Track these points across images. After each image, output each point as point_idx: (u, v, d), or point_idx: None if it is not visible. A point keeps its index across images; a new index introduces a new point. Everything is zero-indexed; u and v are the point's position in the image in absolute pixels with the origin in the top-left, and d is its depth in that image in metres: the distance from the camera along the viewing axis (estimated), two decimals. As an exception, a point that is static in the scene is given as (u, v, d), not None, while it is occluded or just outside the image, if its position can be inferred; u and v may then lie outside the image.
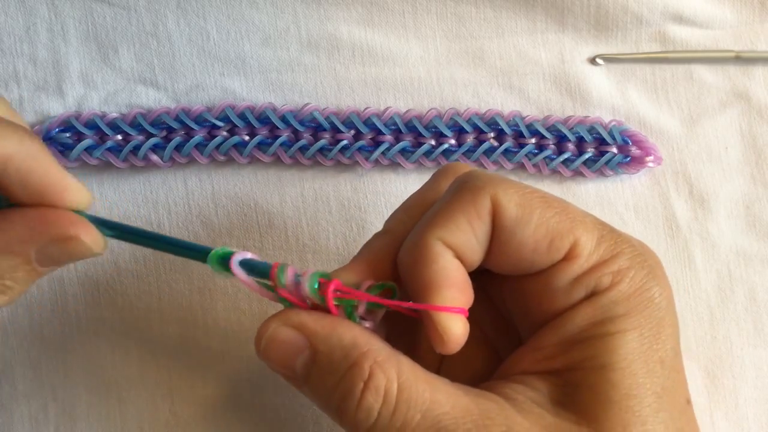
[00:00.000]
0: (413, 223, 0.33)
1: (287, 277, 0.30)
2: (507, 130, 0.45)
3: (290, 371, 0.31)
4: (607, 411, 0.29)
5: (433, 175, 0.35)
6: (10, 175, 0.29)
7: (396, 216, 0.35)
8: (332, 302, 0.30)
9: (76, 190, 0.30)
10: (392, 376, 0.29)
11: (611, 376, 0.29)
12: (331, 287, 0.30)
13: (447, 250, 0.31)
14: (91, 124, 0.45)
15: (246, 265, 0.31)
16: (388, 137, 0.45)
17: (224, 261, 0.31)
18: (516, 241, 0.31)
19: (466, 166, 0.35)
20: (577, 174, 0.46)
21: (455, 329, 0.30)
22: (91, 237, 0.31)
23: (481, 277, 0.33)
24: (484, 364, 0.35)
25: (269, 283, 0.31)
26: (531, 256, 0.31)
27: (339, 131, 0.45)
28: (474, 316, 0.35)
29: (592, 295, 0.30)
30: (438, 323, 0.30)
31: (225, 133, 0.45)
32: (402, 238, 0.33)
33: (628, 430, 0.29)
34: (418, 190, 0.35)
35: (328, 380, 0.30)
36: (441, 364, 0.35)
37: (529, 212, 0.31)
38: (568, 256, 0.31)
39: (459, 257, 0.31)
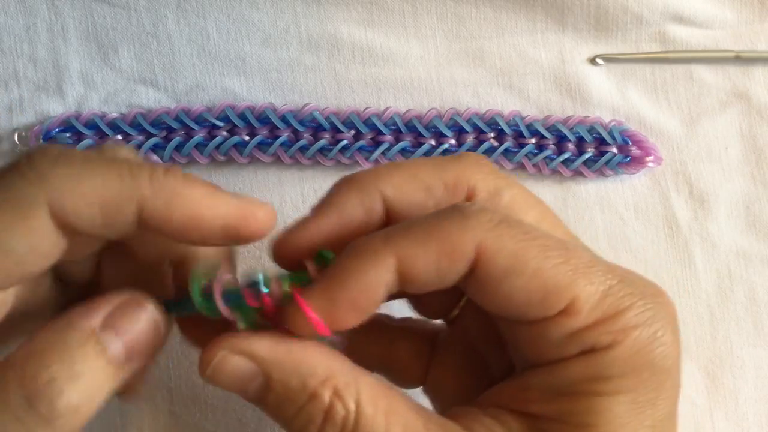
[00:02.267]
0: (410, 187, 0.30)
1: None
2: (507, 130, 0.45)
3: (243, 395, 0.29)
4: None
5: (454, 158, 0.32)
6: (151, 218, 0.27)
7: (386, 173, 0.31)
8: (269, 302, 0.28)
9: (253, 211, 0.29)
10: (351, 407, 0.28)
11: None
12: (217, 288, 0.28)
13: (391, 271, 0.28)
14: (91, 124, 0.45)
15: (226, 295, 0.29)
16: (388, 137, 0.45)
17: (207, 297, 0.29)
18: (504, 291, 0.28)
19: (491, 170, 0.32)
20: (577, 174, 0.46)
21: (306, 330, 0.28)
22: (152, 305, 0.29)
23: None
24: (473, 381, 0.33)
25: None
26: (521, 309, 0.28)
27: (339, 131, 0.45)
28: (467, 330, 0.34)
29: (589, 352, 0.28)
30: (297, 321, 0.28)
31: (225, 133, 0.45)
32: (400, 210, 0.30)
33: None
34: (420, 159, 0.33)
35: (286, 409, 0.28)
36: (427, 374, 0.34)
37: (523, 263, 0.27)
38: (566, 312, 0.28)
39: (407, 280, 0.28)
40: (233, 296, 0.29)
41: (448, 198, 0.30)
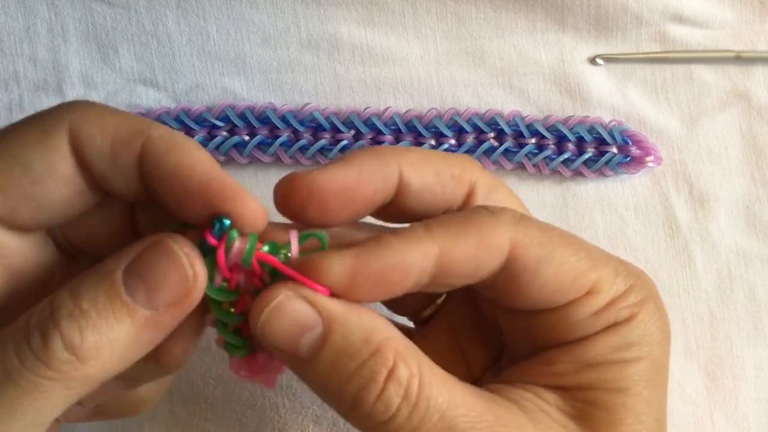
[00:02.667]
0: (425, 171, 0.30)
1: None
2: (507, 130, 0.45)
3: (291, 350, 0.27)
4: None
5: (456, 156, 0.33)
6: (148, 155, 0.28)
7: (405, 153, 0.31)
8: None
9: (236, 190, 0.28)
10: (414, 369, 0.27)
11: (627, 400, 0.30)
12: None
13: (432, 257, 0.28)
14: (91, 124, 0.45)
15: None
16: (388, 137, 0.45)
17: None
18: (539, 281, 0.29)
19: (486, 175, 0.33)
20: (577, 174, 0.46)
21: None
22: (188, 247, 0.28)
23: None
24: (453, 372, 0.33)
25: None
26: (554, 296, 0.30)
27: (339, 131, 0.45)
28: (451, 320, 0.34)
29: (613, 326, 0.30)
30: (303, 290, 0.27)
31: (225, 133, 0.45)
32: (413, 191, 0.30)
33: None
34: (437, 151, 0.33)
35: (344, 365, 0.27)
36: None
37: (551, 251, 0.29)
38: (590, 293, 0.30)
39: (444, 271, 0.28)
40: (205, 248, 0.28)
41: (454, 186, 0.31)
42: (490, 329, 0.34)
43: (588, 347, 0.30)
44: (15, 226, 0.29)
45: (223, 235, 0.28)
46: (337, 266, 0.27)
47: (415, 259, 0.28)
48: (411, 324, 0.36)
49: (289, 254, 0.28)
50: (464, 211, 0.30)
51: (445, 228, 0.29)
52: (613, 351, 0.30)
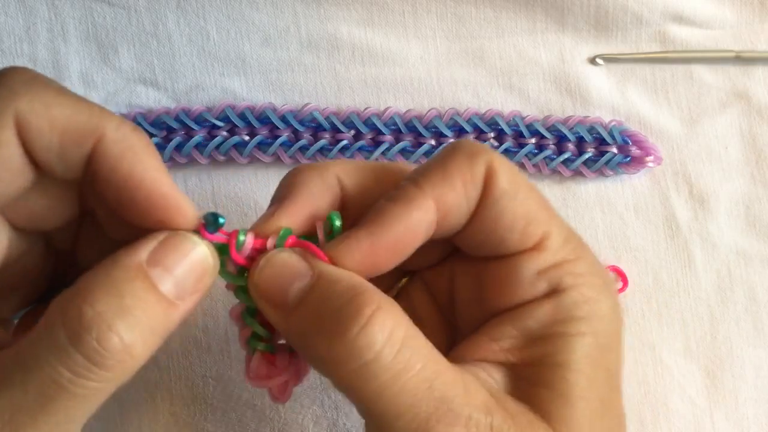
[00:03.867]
0: (377, 188, 0.32)
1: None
2: (507, 130, 0.45)
3: (281, 298, 0.29)
4: (560, 408, 0.29)
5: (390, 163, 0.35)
6: (99, 157, 0.28)
7: (346, 168, 0.33)
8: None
9: (180, 196, 0.29)
10: (400, 319, 0.28)
11: (568, 375, 0.30)
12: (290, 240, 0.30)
13: (432, 210, 0.30)
14: (91, 124, 0.45)
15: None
16: (388, 137, 0.45)
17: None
18: (496, 212, 0.30)
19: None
20: (577, 174, 0.46)
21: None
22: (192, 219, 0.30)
23: (424, 270, 0.34)
24: None
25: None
26: (505, 234, 0.31)
27: (339, 131, 0.45)
28: (412, 302, 0.35)
29: (554, 292, 0.31)
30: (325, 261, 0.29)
31: (225, 133, 0.45)
32: (353, 195, 0.32)
33: (578, 430, 0.29)
34: (369, 161, 0.35)
35: (328, 305, 0.28)
36: None
37: (516, 188, 0.30)
38: (538, 247, 0.31)
39: (444, 217, 0.30)
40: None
41: (394, 184, 0.32)
42: (446, 313, 0.34)
43: (531, 316, 0.31)
44: None
45: (217, 229, 0.29)
46: (357, 252, 0.29)
47: (419, 218, 0.30)
48: None
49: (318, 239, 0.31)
50: (440, 153, 0.32)
51: (431, 178, 0.30)
52: (555, 323, 0.30)
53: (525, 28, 0.46)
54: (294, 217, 0.31)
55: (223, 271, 0.30)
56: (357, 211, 0.32)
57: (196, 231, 0.29)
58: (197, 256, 0.29)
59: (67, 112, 0.28)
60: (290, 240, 0.30)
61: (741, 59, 0.46)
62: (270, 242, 0.30)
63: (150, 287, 0.27)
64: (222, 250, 0.30)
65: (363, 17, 0.46)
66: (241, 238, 0.30)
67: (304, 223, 0.31)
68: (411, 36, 0.46)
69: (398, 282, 0.36)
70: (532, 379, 0.30)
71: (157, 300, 0.27)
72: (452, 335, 0.34)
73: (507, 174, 0.30)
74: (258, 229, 0.30)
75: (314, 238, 0.31)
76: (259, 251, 0.30)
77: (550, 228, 0.31)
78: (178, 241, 0.29)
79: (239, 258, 0.30)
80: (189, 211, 0.29)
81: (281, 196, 0.31)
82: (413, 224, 0.30)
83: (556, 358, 0.30)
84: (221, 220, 0.29)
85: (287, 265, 0.29)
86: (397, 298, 0.35)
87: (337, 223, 0.31)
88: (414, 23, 0.46)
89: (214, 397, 0.44)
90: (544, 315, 0.30)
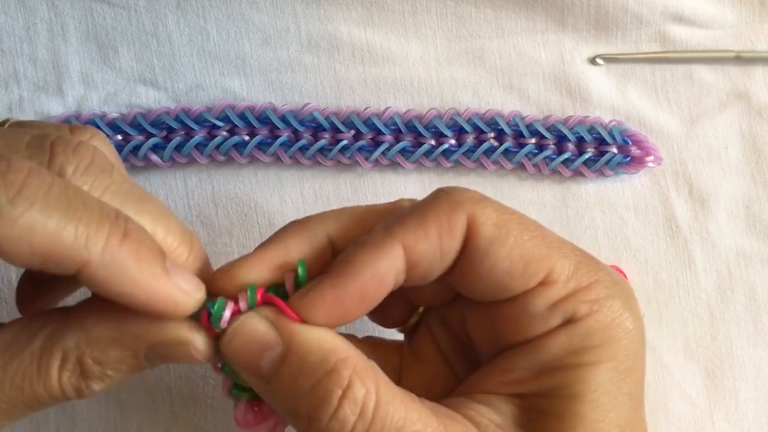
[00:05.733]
0: (355, 230, 0.31)
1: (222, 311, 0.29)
2: (507, 130, 0.45)
3: (254, 368, 0.29)
4: None
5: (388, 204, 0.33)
6: (86, 280, 0.27)
7: (333, 216, 0.32)
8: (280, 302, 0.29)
9: (179, 300, 0.28)
10: (371, 388, 0.28)
11: (580, 407, 0.29)
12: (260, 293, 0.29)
13: (400, 258, 0.29)
14: (91, 124, 0.45)
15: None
16: (388, 137, 0.45)
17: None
18: (489, 262, 0.29)
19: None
20: (577, 174, 0.46)
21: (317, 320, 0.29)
22: (201, 343, 0.29)
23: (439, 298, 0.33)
24: (444, 385, 0.34)
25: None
26: (504, 279, 0.30)
27: (339, 131, 0.45)
28: (433, 335, 0.35)
29: (569, 322, 0.30)
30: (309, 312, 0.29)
31: (225, 133, 0.45)
32: (343, 246, 0.31)
33: None
34: (365, 206, 0.33)
35: (300, 384, 0.28)
36: (400, 379, 0.35)
37: (505, 233, 0.29)
38: (545, 282, 0.30)
39: (414, 266, 0.29)
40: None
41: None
42: (464, 341, 0.34)
43: (544, 348, 0.30)
44: None
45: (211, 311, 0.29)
46: (321, 305, 0.29)
47: (386, 266, 0.29)
48: (401, 337, 0.37)
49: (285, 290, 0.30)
50: (422, 200, 0.31)
51: (404, 225, 0.29)
52: (569, 354, 0.29)
53: (525, 28, 0.46)
54: (258, 266, 0.30)
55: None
56: None
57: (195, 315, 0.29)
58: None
59: (49, 236, 0.25)
60: (259, 294, 0.29)
61: (741, 59, 0.46)
62: (242, 305, 0.29)
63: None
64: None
65: (363, 17, 0.46)
66: (219, 312, 0.29)
67: (272, 274, 0.30)
68: (411, 36, 0.46)
69: (413, 313, 0.35)
70: (543, 411, 0.30)
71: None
72: (475, 364, 0.33)
73: (492, 221, 0.29)
74: (220, 279, 0.30)
75: (284, 287, 0.30)
76: (234, 314, 0.29)
77: (554, 262, 0.30)
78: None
79: (214, 332, 0.29)
80: (181, 302, 0.29)
81: (257, 247, 0.31)
82: (380, 272, 0.29)
83: (569, 389, 0.29)
84: (220, 306, 0.29)
85: (255, 335, 0.29)
86: (416, 329, 0.35)
87: (300, 271, 0.30)
88: (414, 23, 0.46)
89: (214, 397, 0.44)
90: (558, 346, 0.30)
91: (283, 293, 0.30)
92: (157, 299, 0.28)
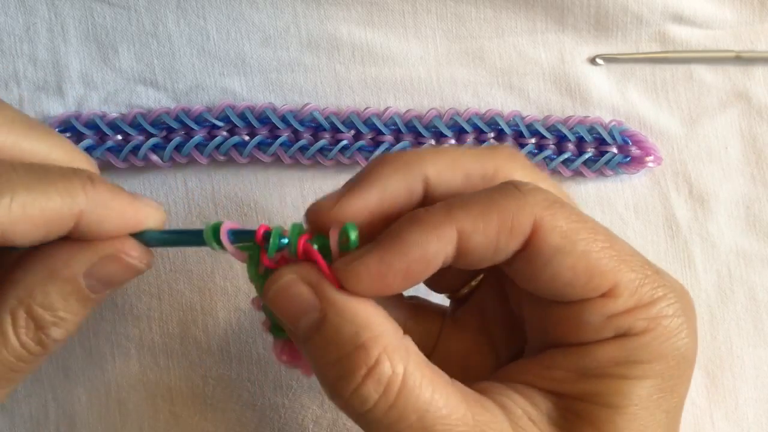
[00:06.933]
0: (452, 174, 0.30)
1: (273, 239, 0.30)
2: (507, 130, 0.45)
3: (293, 325, 0.29)
4: None
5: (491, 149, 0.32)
6: (84, 230, 0.30)
7: (430, 157, 0.31)
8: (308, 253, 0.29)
9: (151, 214, 0.31)
10: (399, 369, 0.28)
11: (617, 418, 0.29)
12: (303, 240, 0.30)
13: (452, 244, 0.28)
14: (91, 124, 0.45)
15: (235, 234, 0.30)
16: (388, 137, 0.45)
17: (216, 234, 0.30)
18: (551, 271, 0.29)
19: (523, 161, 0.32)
20: (577, 174, 0.46)
21: (358, 288, 0.29)
22: (137, 252, 0.31)
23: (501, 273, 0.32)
24: (481, 361, 0.34)
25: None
26: (565, 288, 0.29)
27: (339, 131, 0.45)
28: (485, 307, 0.34)
29: (623, 336, 0.29)
30: (350, 279, 0.29)
31: (225, 133, 0.45)
32: (439, 194, 0.30)
33: None
34: (462, 148, 0.33)
35: (330, 352, 0.28)
36: (434, 350, 0.35)
37: (572, 243, 0.28)
38: (607, 295, 0.29)
39: (465, 253, 0.29)
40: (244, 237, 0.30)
41: (485, 186, 0.30)
42: (517, 320, 0.33)
43: (592, 354, 0.29)
44: None
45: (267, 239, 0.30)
46: (365, 276, 0.28)
47: (437, 248, 0.28)
48: (447, 303, 0.37)
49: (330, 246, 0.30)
50: (491, 188, 0.29)
51: (466, 210, 0.28)
52: (616, 365, 0.29)
53: (525, 28, 0.46)
54: (356, 209, 0.30)
55: (251, 266, 0.31)
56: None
57: (254, 242, 0.30)
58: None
59: (43, 204, 0.29)
60: (300, 243, 0.29)
61: (741, 59, 0.46)
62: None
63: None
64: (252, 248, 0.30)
65: (363, 17, 0.46)
66: (277, 240, 0.30)
67: (367, 218, 0.30)
68: (411, 36, 0.46)
69: (472, 279, 0.35)
70: (580, 414, 0.29)
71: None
72: (521, 337, 0.33)
73: (560, 229, 0.28)
74: (318, 217, 0.30)
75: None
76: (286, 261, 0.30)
77: (620, 276, 0.29)
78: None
79: (270, 263, 0.30)
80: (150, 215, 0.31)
81: (353, 183, 0.31)
82: (429, 254, 0.28)
83: (609, 399, 0.29)
84: (277, 238, 0.30)
85: (296, 298, 0.29)
86: (466, 299, 0.35)
87: (353, 236, 0.29)
88: (414, 23, 0.46)
89: (214, 397, 0.44)
90: (607, 355, 0.29)
91: (326, 248, 0.30)
92: (138, 219, 0.31)
